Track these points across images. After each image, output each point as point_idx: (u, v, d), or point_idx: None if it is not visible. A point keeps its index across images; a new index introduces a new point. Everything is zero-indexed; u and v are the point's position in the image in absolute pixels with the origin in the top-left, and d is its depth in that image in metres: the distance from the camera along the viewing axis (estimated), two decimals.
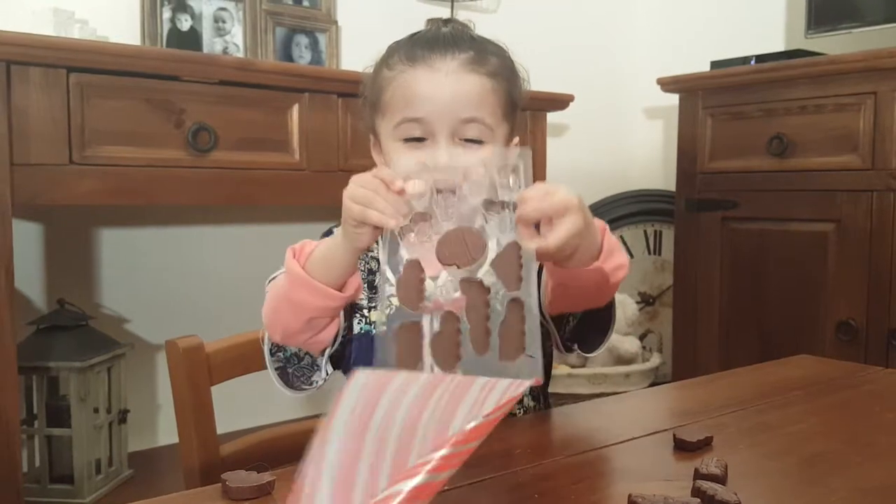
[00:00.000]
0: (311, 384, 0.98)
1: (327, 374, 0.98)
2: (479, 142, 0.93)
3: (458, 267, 0.70)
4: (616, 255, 0.89)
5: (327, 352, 0.96)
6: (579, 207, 0.75)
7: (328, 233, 1.02)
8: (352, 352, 0.99)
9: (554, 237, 0.72)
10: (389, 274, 0.92)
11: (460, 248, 0.70)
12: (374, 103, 0.98)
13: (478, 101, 0.93)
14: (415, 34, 0.98)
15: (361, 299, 0.99)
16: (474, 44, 0.96)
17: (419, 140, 0.93)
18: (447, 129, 0.92)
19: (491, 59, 0.96)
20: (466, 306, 0.66)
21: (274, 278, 0.96)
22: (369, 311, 0.98)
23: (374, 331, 0.96)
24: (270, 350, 0.97)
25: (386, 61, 0.97)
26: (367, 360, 0.93)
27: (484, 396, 0.54)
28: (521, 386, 0.55)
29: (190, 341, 1.02)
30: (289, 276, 0.88)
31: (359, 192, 0.78)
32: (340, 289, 0.87)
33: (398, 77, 0.94)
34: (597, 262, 0.85)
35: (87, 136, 1.46)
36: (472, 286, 0.68)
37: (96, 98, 1.47)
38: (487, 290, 0.67)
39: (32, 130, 1.40)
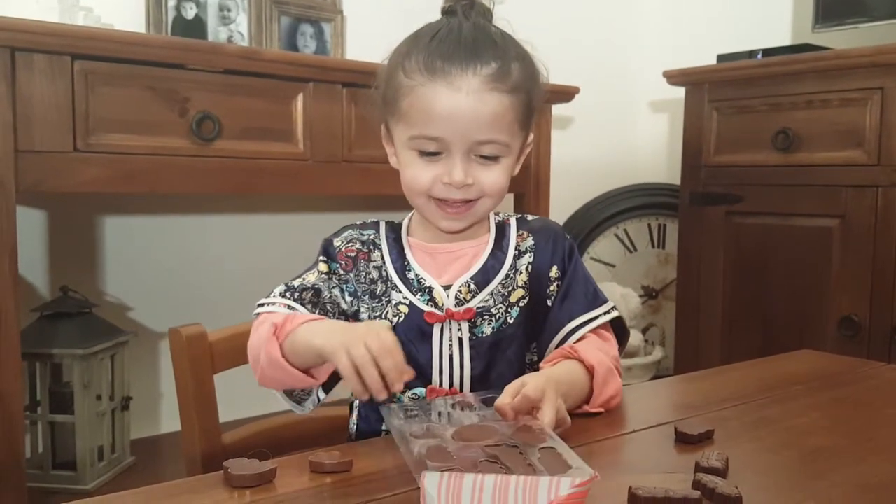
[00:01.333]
0: (302, 406, 0.98)
1: (319, 399, 0.98)
2: (494, 158, 0.94)
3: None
4: (609, 387, 0.94)
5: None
6: (553, 389, 0.81)
7: (353, 226, 1.03)
8: None
9: (547, 420, 0.77)
10: (398, 281, 0.97)
11: (479, 430, 0.75)
12: (390, 104, 0.97)
13: (496, 122, 0.92)
14: (435, 32, 0.94)
15: (363, 311, 0.99)
16: (497, 51, 0.93)
17: (435, 154, 0.93)
18: (463, 148, 0.92)
19: (514, 70, 0.93)
20: (502, 457, 0.69)
21: (262, 305, 0.96)
22: (374, 320, 0.98)
23: None
24: None
25: (402, 64, 0.94)
26: None
27: (557, 483, 0.59)
28: (584, 477, 0.60)
29: (193, 329, 1.02)
30: (266, 355, 0.89)
31: (361, 352, 0.77)
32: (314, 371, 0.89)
33: (416, 90, 0.92)
34: (586, 406, 0.92)
35: (91, 124, 1.46)
36: (503, 449, 0.71)
37: (101, 85, 1.47)
38: (517, 447, 0.71)
39: (37, 117, 1.40)
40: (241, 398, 1.61)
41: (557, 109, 2.25)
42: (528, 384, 0.80)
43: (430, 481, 0.60)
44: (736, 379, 1.12)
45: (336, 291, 0.99)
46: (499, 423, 0.76)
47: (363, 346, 0.77)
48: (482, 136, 0.92)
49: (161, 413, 2.04)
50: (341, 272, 1.00)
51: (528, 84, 0.96)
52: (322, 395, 0.98)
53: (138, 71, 1.51)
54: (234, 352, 1.06)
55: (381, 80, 0.98)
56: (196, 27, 2.00)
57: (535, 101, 0.98)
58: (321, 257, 1.01)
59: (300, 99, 1.71)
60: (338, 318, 0.98)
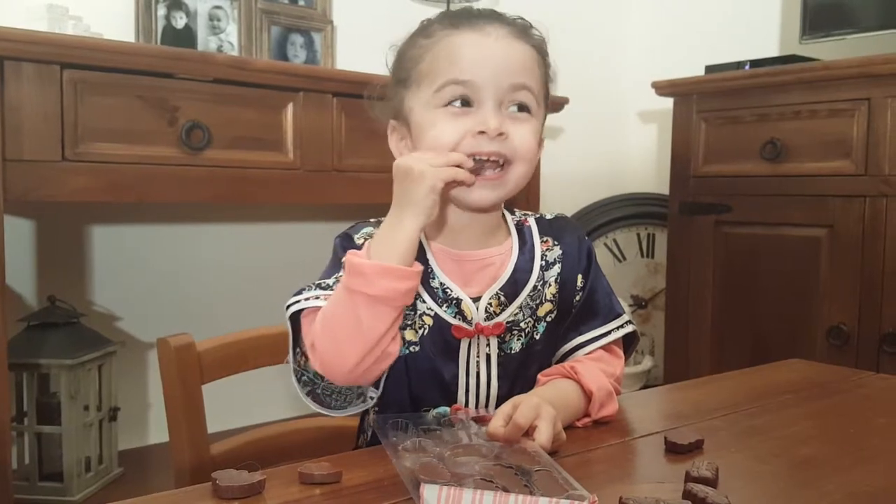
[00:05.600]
0: (347, 403, 0.91)
1: (371, 399, 0.91)
2: (526, 110, 0.89)
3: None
4: (606, 409, 0.91)
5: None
6: (547, 408, 0.79)
7: (366, 223, 0.96)
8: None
9: (543, 439, 0.76)
10: (421, 289, 0.90)
11: (473, 450, 0.75)
12: (405, 79, 0.91)
13: (528, 68, 0.89)
14: (448, 10, 0.95)
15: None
16: (518, 20, 0.93)
17: (463, 105, 0.87)
18: (495, 96, 0.87)
19: (535, 35, 0.93)
20: (497, 477, 0.68)
21: (296, 304, 0.87)
22: (404, 328, 0.91)
23: (405, 350, 0.90)
24: (296, 375, 0.90)
25: (421, 33, 0.91)
26: (398, 379, 0.91)
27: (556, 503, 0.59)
28: (583, 502, 0.61)
29: (181, 340, 1.02)
30: (367, 272, 0.80)
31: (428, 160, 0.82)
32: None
33: (441, 41, 0.88)
34: (576, 422, 0.89)
35: (80, 133, 1.46)
36: (498, 469, 0.70)
37: (90, 95, 1.47)
38: (511, 467, 0.70)
39: (25, 126, 1.40)
40: (230, 409, 1.61)
41: (547, 120, 2.25)
42: (519, 408, 0.77)
43: (430, 493, 0.60)
44: (725, 388, 1.12)
45: None
46: (491, 444, 0.76)
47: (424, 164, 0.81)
48: (516, 79, 0.88)
49: (149, 424, 2.03)
50: None
51: (547, 59, 0.94)
52: (373, 393, 0.91)
53: (127, 80, 1.51)
54: (222, 362, 1.05)
55: (394, 64, 0.94)
56: (186, 37, 2.00)
57: (549, 83, 0.96)
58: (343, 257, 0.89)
59: (290, 108, 1.71)
60: None
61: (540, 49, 0.93)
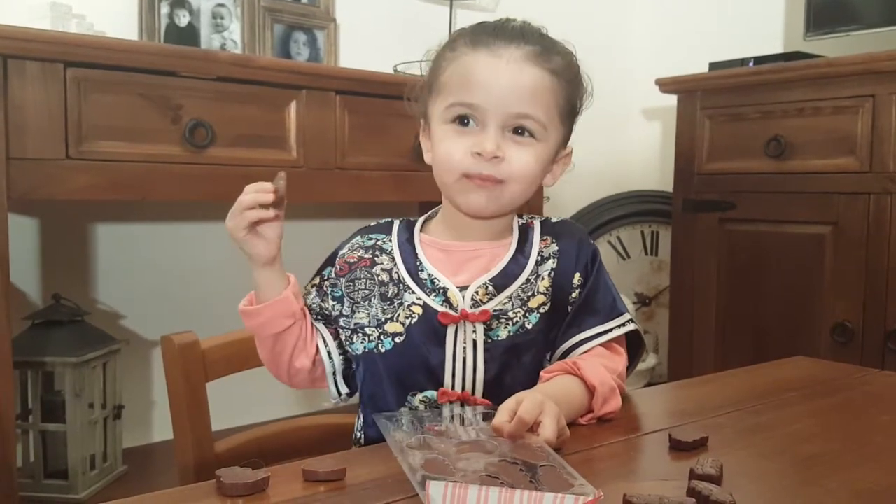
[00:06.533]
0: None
1: (340, 393, 1.03)
2: (530, 135, 0.93)
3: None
4: (608, 405, 0.92)
5: (331, 378, 1.02)
6: (551, 404, 0.79)
7: (364, 230, 1.05)
8: (360, 367, 1.01)
9: (548, 433, 0.76)
10: (411, 282, 0.97)
11: (478, 447, 0.75)
12: (431, 85, 0.97)
13: (534, 96, 0.92)
14: (483, 22, 0.98)
15: (362, 314, 0.99)
16: (542, 39, 0.96)
17: (468, 125, 0.93)
18: (499, 119, 0.92)
19: (556, 57, 0.95)
20: (503, 473, 0.68)
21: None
22: (386, 322, 0.96)
23: (390, 343, 0.96)
24: None
25: (450, 44, 0.97)
26: (384, 369, 0.96)
27: (561, 499, 0.59)
28: (589, 497, 0.60)
29: (185, 337, 1.02)
30: (242, 317, 0.99)
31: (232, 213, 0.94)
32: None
33: (459, 59, 0.94)
34: (580, 419, 0.90)
35: (83, 131, 1.46)
36: (503, 465, 0.70)
37: (93, 93, 1.47)
38: (516, 463, 0.70)
39: (29, 125, 1.40)
40: (234, 406, 1.61)
41: None
42: (522, 404, 0.78)
43: (436, 490, 0.60)
44: (730, 385, 1.12)
45: (327, 298, 1.02)
46: (497, 440, 0.76)
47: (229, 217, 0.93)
48: (519, 108, 0.92)
49: (153, 422, 2.03)
50: (333, 276, 1.02)
51: (571, 76, 0.97)
52: (344, 388, 1.02)
53: (131, 78, 1.51)
54: (226, 360, 1.06)
55: (427, 71, 0.99)
56: (189, 35, 2.00)
57: (575, 99, 0.99)
58: (321, 267, 1.05)
59: (293, 106, 1.71)
60: (319, 317, 1.03)
61: (559, 72, 0.95)
